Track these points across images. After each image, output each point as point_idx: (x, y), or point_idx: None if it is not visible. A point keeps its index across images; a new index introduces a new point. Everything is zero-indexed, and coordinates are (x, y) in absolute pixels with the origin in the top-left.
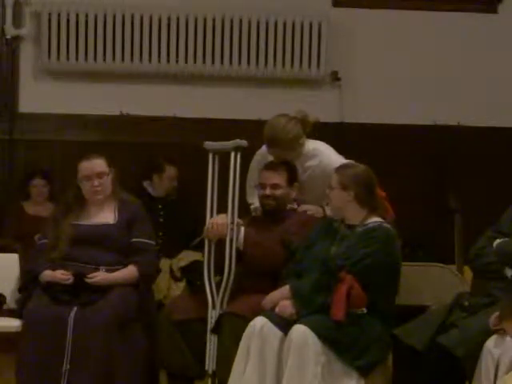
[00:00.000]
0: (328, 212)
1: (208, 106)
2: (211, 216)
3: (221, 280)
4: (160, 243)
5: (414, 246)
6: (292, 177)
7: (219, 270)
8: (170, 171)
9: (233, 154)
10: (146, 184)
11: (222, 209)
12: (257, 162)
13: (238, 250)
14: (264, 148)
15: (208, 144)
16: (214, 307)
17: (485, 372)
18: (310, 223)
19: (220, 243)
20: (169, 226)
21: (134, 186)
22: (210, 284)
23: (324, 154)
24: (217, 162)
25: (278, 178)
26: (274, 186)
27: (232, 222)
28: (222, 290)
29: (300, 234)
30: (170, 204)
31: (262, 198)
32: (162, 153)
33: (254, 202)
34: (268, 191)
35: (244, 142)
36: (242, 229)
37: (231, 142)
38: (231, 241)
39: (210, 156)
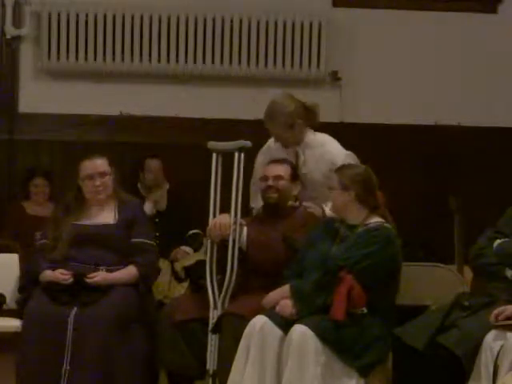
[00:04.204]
0: (327, 212)
1: (208, 106)
2: (214, 216)
3: (223, 280)
4: (157, 243)
5: (414, 246)
6: (295, 173)
7: (221, 270)
8: (151, 164)
9: (236, 155)
10: (138, 186)
11: (224, 209)
12: (260, 164)
13: (240, 250)
14: (264, 147)
15: (212, 144)
16: (215, 307)
17: (484, 366)
18: (311, 221)
19: (222, 243)
20: (163, 225)
21: (133, 186)
22: (212, 284)
23: (328, 144)
24: (220, 162)
25: (282, 170)
26: (277, 178)
27: (235, 223)
28: (223, 290)
29: (302, 231)
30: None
31: (265, 190)
32: (163, 153)
33: (257, 205)
34: (271, 182)
35: (248, 143)
36: (245, 229)
37: (235, 142)
38: (234, 241)
39: (214, 156)
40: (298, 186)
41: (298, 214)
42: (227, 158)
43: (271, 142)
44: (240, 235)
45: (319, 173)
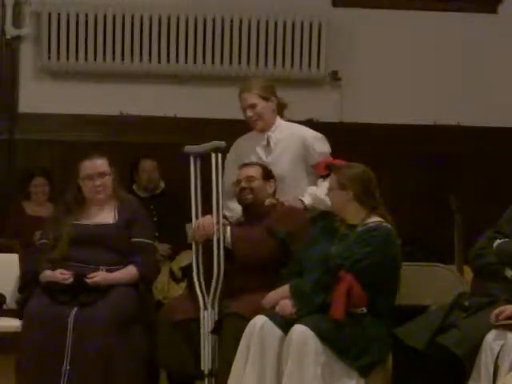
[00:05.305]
0: (307, 203)
1: (208, 106)
2: (197, 218)
3: (211, 280)
4: (156, 243)
5: (413, 246)
6: (267, 173)
7: (208, 274)
8: (145, 164)
9: (213, 155)
10: (134, 187)
11: (208, 210)
12: (229, 167)
13: (227, 249)
14: (230, 150)
15: (188, 148)
16: (205, 308)
17: (484, 366)
18: (292, 213)
19: (207, 244)
20: (163, 225)
21: (130, 188)
22: (200, 285)
23: (299, 126)
24: (198, 164)
25: (253, 171)
26: (250, 178)
27: (218, 222)
28: (212, 290)
29: (284, 223)
30: (162, 203)
31: (240, 193)
32: (162, 153)
33: (231, 211)
34: (244, 183)
35: (223, 143)
36: (228, 228)
37: (210, 143)
38: (218, 241)
39: (192, 159)
40: (273, 184)
41: (278, 210)
42: (207, 159)
43: (237, 141)
44: (224, 234)
45: (289, 156)
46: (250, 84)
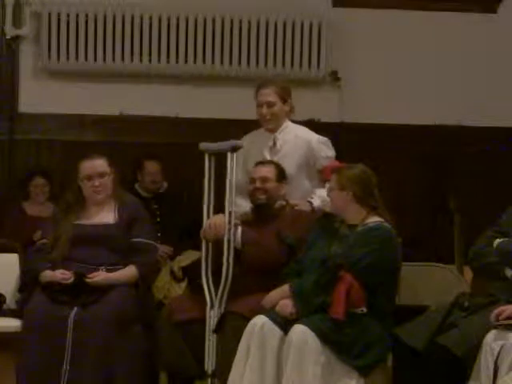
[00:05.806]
0: (316, 205)
1: (208, 106)
2: (208, 217)
3: (219, 279)
4: (159, 243)
5: (414, 246)
6: (281, 173)
7: (217, 270)
8: (150, 166)
9: (229, 155)
10: (136, 186)
11: (219, 209)
12: (239, 168)
13: (236, 249)
14: (238, 153)
15: (204, 145)
16: (212, 307)
17: (484, 366)
18: (302, 217)
19: (218, 243)
20: (166, 225)
21: (132, 186)
22: (207, 284)
23: (303, 128)
24: (213, 162)
25: (268, 171)
26: (264, 179)
27: (229, 222)
28: (220, 289)
29: (293, 227)
30: (165, 202)
31: (253, 192)
32: (162, 153)
33: (237, 208)
34: (258, 184)
35: (240, 143)
36: (239, 228)
37: (227, 142)
38: (229, 241)
39: (206, 157)
40: (285, 186)
41: (287, 213)
42: (221, 158)
43: (243, 139)
44: (235, 235)
45: (294, 158)
46: (271, 81)
